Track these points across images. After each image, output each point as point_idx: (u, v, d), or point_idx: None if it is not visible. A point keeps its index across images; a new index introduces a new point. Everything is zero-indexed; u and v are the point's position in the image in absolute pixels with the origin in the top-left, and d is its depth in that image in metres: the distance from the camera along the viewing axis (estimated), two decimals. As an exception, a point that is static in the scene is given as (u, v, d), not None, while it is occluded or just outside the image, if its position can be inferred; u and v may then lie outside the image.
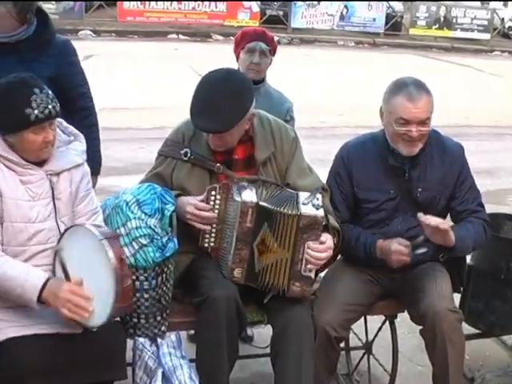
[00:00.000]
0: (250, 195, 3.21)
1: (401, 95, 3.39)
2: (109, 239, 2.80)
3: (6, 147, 2.89)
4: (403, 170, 3.52)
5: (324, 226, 3.26)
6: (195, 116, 3.24)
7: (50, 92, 2.91)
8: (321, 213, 3.20)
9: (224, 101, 3.19)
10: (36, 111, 2.82)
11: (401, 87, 3.42)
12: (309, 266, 3.23)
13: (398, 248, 3.44)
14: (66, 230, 2.93)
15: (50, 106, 2.86)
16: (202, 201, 3.26)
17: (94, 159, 3.60)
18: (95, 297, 2.75)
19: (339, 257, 3.63)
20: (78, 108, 3.86)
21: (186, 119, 3.47)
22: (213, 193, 3.26)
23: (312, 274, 3.27)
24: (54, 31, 3.85)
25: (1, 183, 2.87)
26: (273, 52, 4.41)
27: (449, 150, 3.60)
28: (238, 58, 4.44)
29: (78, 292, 2.74)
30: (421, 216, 3.30)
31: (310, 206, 3.20)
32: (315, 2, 23.83)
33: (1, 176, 2.88)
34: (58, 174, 2.99)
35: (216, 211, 3.27)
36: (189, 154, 3.37)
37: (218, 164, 3.35)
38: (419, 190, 3.52)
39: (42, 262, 2.92)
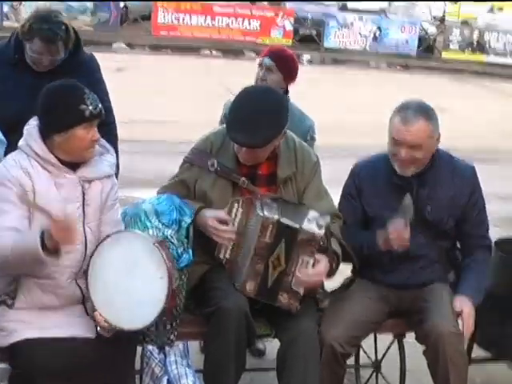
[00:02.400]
0: (271, 211, 3.28)
1: (398, 116, 3.45)
2: (160, 243, 2.93)
3: (45, 149, 3.00)
4: (411, 189, 3.54)
5: (324, 248, 3.32)
6: (233, 130, 3.30)
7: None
8: (321, 232, 3.26)
9: (263, 116, 3.26)
10: (90, 107, 2.97)
11: (401, 108, 3.48)
12: (295, 283, 3.29)
13: (393, 226, 3.43)
14: (107, 236, 3.00)
15: (99, 105, 3.03)
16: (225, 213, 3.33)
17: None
18: (141, 300, 2.85)
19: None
20: (103, 122, 3.96)
21: (216, 129, 3.57)
22: (235, 205, 3.33)
23: (300, 290, 3.31)
24: (83, 50, 4.00)
25: (36, 181, 2.97)
26: (283, 69, 4.39)
27: (459, 170, 3.63)
28: None
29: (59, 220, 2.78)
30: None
31: (314, 223, 3.27)
32: (349, 23, 23.87)
33: (36, 175, 2.98)
34: (90, 182, 3.09)
35: (236, 224, 3.33)
36: (215, 165, 3.41)
37: (243, 178, 3.40)
38: (428, 208, 3.55)
39: (66, 264, 2.98)
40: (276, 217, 3.26)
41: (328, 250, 3.35)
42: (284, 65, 4.42)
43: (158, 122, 11.36)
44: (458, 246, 3.77)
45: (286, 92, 4.42)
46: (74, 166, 3.05)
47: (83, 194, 3.07)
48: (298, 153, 3.52)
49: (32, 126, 3.06)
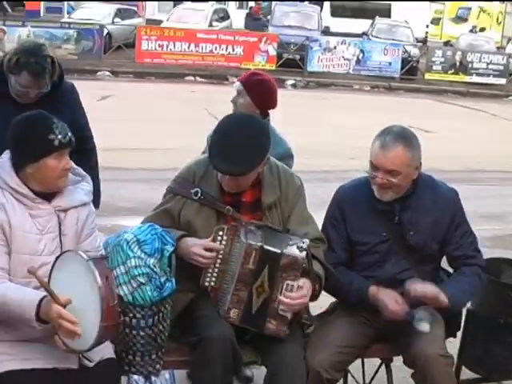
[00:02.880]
0: (255, 238, 3.29)
1: (378, 141, 3.46)
2: (95, 260, 2.86)
3: (18, 181, 3.01)
4: (393, 214, 3.56)
5: (307, 270, 3.32)
6: (215, 158, 3.30)
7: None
8: (302, 255, 3.27)
9: (244, 144, 3.27)
10: (59, 136, 2.99)
11: (382, 133, 3.49)
12: (282, 307, 3.28)
13: (394, 308, 3.45)
14: (57, 258, 2.97)
15: (69, 134, 3.05)
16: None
17: (96, 196, 3.71)
18: (83, 318, 2.79)
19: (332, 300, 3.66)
20: (83, 149, 3.98)
21: (198, 158, 3.58)
22: (220, 233, 3.32)
23: (288, 315, 3.31)
24: (65, 80, 4.04)
25: (11, 216, 2.97)
26: (251, 93, 4.32)
27: (441, 194, 3.63)
28: None
29: (65, 316, 2.75)
30: (409, 285, 3.37)
31: (295, 247, 3.28)
32: (332, 47, 23.99)
33: (11, 209, 2.98)
34: (65, 211, 3.10)
35: (221, 252, 3.32)
36: (199, 194, 3.41)
37: (228, 206, 3.40)
38: (411, 233, 3.55)
39: (45, 294, 2.94)
40: (259, 243, 3.27)
41: (310, 273, 3.35)
42: (253, 89, 4.34)
43: (142, 149, 11.35)
44: (442, 266, 3.77)
45: (264, 116, 4.41)
46: (48, 197, 3.07)
47: (59, 224, 3.08)
48: (281, 178, 3.53)
49: (4, 159, 3.07)
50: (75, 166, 3.23)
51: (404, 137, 3.47)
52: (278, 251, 3.26)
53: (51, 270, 2.92)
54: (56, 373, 2.87)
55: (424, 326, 3.41)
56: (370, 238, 3.59)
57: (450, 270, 3.74)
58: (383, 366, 3.96)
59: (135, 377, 3.17)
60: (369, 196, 3.60)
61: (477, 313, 4.23)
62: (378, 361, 4.04)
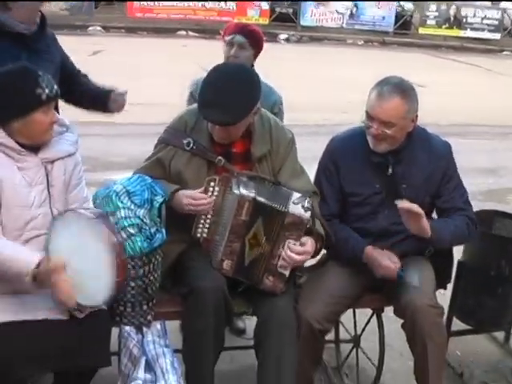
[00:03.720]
0: (248, 189, 3.26)
1: (375, 90, 3.41)
2: (99, 217, 2.87)
3: (4, 134, 2.96)
4: (387, 166, 3.54)
5: (309, 229, 3.31)
6: (204, 107, 3.27)
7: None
8: (307, 215, 3.25)
9: (234, 94, 3.23)
10: (46, 90, 2.94)
11: (380, 83, 3.44)
12: (281, 263, 3.28)
13: (387, 264, 3.46)
14: (54, 218, 2.97)
15: (55, 86, 3.00)
16: (201, 192, 3.29)
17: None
18: (95, 277, 2.80)
19: (324, 251, 3.65)
20: (78, 82, 4.22)
21: (189, 108, 3.54)
22: (212, 184, 3.29)
23: (286, 272, 3.31)
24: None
25: None
26: (255, 45, 4.38)
27: (435, 147, 3.61)
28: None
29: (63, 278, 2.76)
30: (398, 202, 3.32)
31: (299, 206, 3.25)
32: (325, 1, 23.78)
33: None
34: (52, 162, 3.08)
35: (212, 202, 3.29)
36: (191, 144, 3.40)
37: (219, 157, 3.38)
38: (403, 186, 3.53)
39: (37, 248, 2.97)
40: (252, 195, 3.24)
41: (313, 233, 3.34)
42: (255, 41, 4.40)
43: (134, 103, 11.22)
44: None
45: (252, 67, 4.39)
46: (34, 149, 3.04)
47: (47, 175, 3.05)
48: (272, 131, 3.50)
49: None
50: (58, 117, 3.19)
51: (402, 88, 3.42)
52: (283, 209, 3.24)
53: (50, 234, 2.92)
54: (46, 324, 2.85)
55: (414, 280, 3.43)
56: (363, 189, 3.58)
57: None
58: (374, 317, 3.99)
59: (126, 328, 3.16)
60: (363, 147, 3.56)
61: (468, 264, 4.25)
62: (368, 312, 4.07)
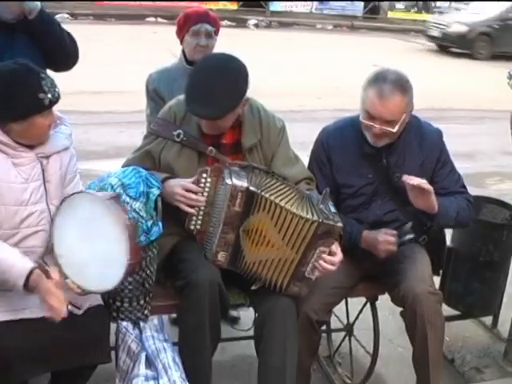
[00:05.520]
0: (240, 179, 3.21)
1: (374, 89, 3.35)
2: (114, 198, 2.84)
3: (1, 132, 2.89)
4: (380, 157, 3.52)
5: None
6: (191, 101, 3.23)
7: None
8: (341, 224, 3.16)
9: (221, 87, 3.18)
10: (49, 95, 2.86)
11: (378, 81, 3.37)
12: (316, 274, 3.23)
13: (385, 237, 3.47)
14: (62, 201, 2.92)
15: (57, 89, 2.92)
16: (193, 183, 3.25)
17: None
18: (107, 259, 2.78)
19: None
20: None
21: (178, 98, 3.48)
22: (204, 175, 3.25)
23: (313, 277, 3.26)
24: None
25: None
26: (217, 32, 4.37)
27: (427, 136, 3.60)
28: (182, 40, 4.40)
29: (55, 292, 2.73)
30: (405, 177, 3.29)
31: (329, 212, 3.17)
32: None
33: None
34: (47, 157, 3.01)
35: (205, 194, 3.25)
36: (182, 136, 3.35)
37: (211, 147, 3.35)
38: (397, 175, 3.51)
39: (33, 244, 2.95)
40: (245, 185, 3.20)
41: (341, 237, 3.30)
42: (218, 28, 4.39)
43: (106, 92, 11.19)
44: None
45: None
46: (29, 145, 2.97)
47: (43, 171, 2.99)
48: (262, 120, 3.47)
49: None
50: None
51: (401, 84, 3.37)
52: (316, 218, 3.12)
53: (55, 217, 2.89)
54: (44, 322, 2.79)
55: (409, 235, 3.48)
56: (356, 180, 3.57)
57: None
58: (366, 306, 3.99)
59: (124, 323, 3.13)
60: (355, 138, 3.55)
61: (457, 250, 4.27)
62: (359, 301, 4.07)
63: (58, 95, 2.91)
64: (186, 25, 4.32)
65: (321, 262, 3.19)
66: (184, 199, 3.23)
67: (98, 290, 2.89)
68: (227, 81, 3.21)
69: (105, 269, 2.79)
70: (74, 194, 2.94)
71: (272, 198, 3.17)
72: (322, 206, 3.21)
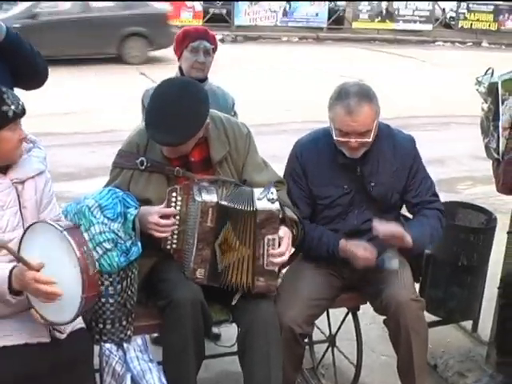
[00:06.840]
0: (210, 195, 3.21)
1: (340, 106, 3.34)
2: (69, 229, 2.73)
3: None
4: (354, 167, 3.53)
5: (281, 218, 3.28)
6: (151, 128, 3.21)
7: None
8: (276, 206, 3.22)
9: (181, 113, 3.16)
10: (12, 107, 2.82)
11: (342, 96, 3.36)
12: (271, 260, 3.24)
13: (364, 254, 3.45)
14: (26, 229, 2.83)
15: (20, 102, 2.87)
16: (167, 206, 3.24)
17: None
18: (63, 291, 2.67)
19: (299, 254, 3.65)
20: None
21: (138, 129, 3.45)
22: (173, 194, 3.24)
23: (275, 268, 3.28)
24: None
25: None
26: (215, 50, 4.39)
27: (399, 143, 3.61)
28: (179, 57, 4.40)
29: (41, 279, 2.63)
30: (375, 225, 3.35)
31: (265, 200, 3.22)
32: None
33: None
34: (23, 183, 2.95)
35: (177, 212, 3.25)
36: (145, 163, 3.33)
37: (177, 168, 3.32)
38: (372, 184, 3.53)
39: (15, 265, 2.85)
40: (215, 200, 3.20)
41: (286, 220, 3.32)
42: (216, 46, 4.42)
43: (74, 112, 11.14)
44: (406, 214, 3.78)
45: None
46: (2, 170, 2.92)
47: (18, 196, 2.93)
48: (228, 131, 3.45)
49: None
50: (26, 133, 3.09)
51: (365, 94, 3.38)
52: (251, 208, 3.19)
53: (20, 245, 2.80)
54: (28, 347, 2.77)
55: (394, 264, 3.47)
56: (331, 191, 3.57)
57: (411, 217, 3.74)
58: (348, 317, 3.99)
59: (107, 345, 3.09)
60: (329, 150, 3.55)
61: (435, 256, 4.28)
62: (340, 312, 4.07)
63: (23, 108, 2.87)
64: (185, 41, 4.33)
65: (271, 252, 3.22)
66: (157, 227, 3.22)
67: (58, 322, 2.79)
68: (188, 106, 3.19)
69: (62, 301, 2.68)
70: (35, 222, 2.86)
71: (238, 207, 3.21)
72: (260, 196, 3.23)
